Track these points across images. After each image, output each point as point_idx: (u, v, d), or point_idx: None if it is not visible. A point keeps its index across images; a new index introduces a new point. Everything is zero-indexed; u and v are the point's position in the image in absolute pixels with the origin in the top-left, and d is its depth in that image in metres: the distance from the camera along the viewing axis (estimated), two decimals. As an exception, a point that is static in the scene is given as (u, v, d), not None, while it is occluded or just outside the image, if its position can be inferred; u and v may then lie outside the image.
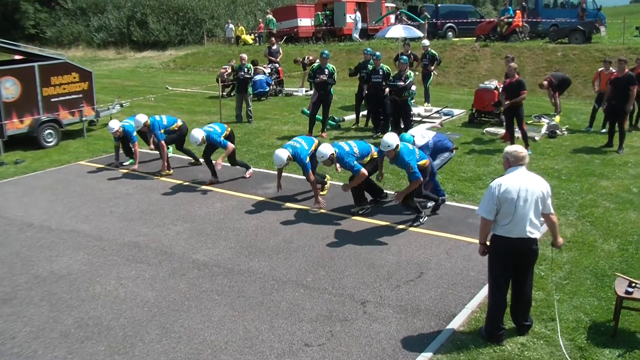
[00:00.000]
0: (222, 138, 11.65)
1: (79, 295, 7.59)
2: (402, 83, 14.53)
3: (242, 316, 6.95)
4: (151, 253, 8.81)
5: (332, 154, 9.77)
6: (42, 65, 15.64)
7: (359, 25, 34.47)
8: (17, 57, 18.38)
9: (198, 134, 11.53)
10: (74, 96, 16.15)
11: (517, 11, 29.16)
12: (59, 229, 9.88)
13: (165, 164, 12.63)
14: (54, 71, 15.81)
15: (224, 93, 22.14)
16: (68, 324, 6.91)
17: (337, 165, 10.27)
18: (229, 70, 23.33)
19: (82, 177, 12.75)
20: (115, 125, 12.90)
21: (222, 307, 7.19)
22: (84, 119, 16.47)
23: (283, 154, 10.17)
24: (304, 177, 10.44)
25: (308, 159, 10.25)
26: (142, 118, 12.66)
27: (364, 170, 9.72)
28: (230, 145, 11.67)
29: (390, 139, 9.12)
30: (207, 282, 7.85)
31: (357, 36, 34.21)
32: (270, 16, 37.25)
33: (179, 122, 13.06)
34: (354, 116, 17.59)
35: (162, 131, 12.63)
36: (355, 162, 9.72)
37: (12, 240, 9.44)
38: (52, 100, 15.62)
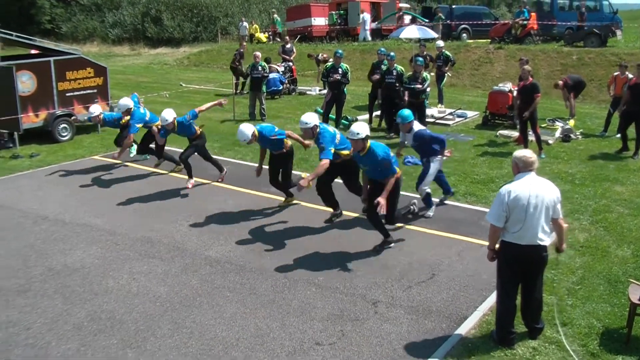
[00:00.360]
0: (192, 122, 11.49)
1: (92, 288, 7.64)
2: (419, 86, 14.44)
3: (253, 313, 6.97)
4: (164, 248, 8.85)
5: (316, 126, 9.01)
6: (58, 60, 15.73)
7: (367, 26, 34.35)
8: (33, 51, 18.51)
9: (169, 115, 11.15)
10: (88, 91, 16.23)
11: (532, 14, 29.06)
12: (72, 222, 9.95)
13: (121, 153, 12.41)
14: (70, 66, 15.89)
15: (237, 91, 22.18)
16: (81, 316, 6.96)
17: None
18: (238, 57, 23.50)
19: (95, 172, 12.81)
20: (96, 110, 12.66)
21: (233, 303, 7.22)
22: (98, 113, 16.54)
23: (248, 129, 9.79)
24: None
25: (275, 137, 10.01)
26: (129, 103, 12.30)
27: (326, 162, 8.78)
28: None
29: (360, 127, 8.22)
30: (219, 278, 7.88)
31: (365, 36, 34.03)
32: (276, 16, 37.82)
33: (159, 122, 12.11)
34: (367, 116, 17.57)
35: (139, 125, 12.28)
36: (330, 149, 8.87)
37: (27, 232, 9.51)
38: (67, 94, 15.70)
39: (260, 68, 18.26)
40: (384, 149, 8.33)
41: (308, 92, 23.71)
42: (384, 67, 16.24)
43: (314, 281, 7.74)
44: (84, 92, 16.10)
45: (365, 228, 9.43)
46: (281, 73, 23.13)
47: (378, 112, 17.10)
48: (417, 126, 10.01)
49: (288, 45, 24.94)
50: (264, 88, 18.77)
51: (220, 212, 10.32)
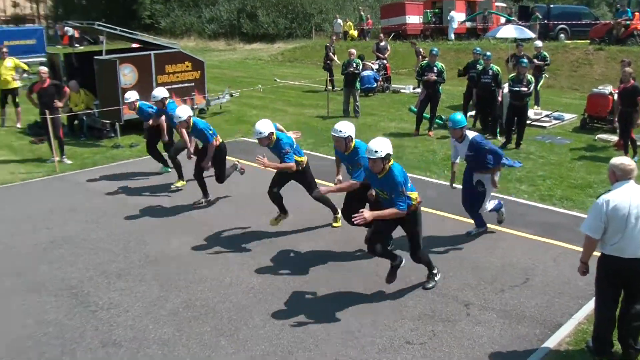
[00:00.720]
0: (209, 132, 10.42)
1: (187, 277, 7.88)
2: (525, 89, 14.02)
3: (345, 309, 7.01)
4: (257, 241, 9.02)
5: (351, 137, 7.94)
6: (158, 53, 16.26)
7: (454, 25, 33.73)
8: (134, 45, 19.20)
9: (184, 112, 10.25)
10: (186, 84, 16.69)
11: (636, 13, 27.90)
12: (169, 211, 10.29)
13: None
14: (169, 60, 16.39)
15: (329, 87, 22.26)
16: (177, 303, 7.19)
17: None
18: (326, 51, 23.65)
19: (192, 163, 13.07)
20: (132, 96, 12.09)
21: (325, 298, 7.29)
22: (195, 107, 16.94)
23: (265, 128, 8.63)
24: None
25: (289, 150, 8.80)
26: (164, 93, 11.67)
27: (355, 182, 7.98)
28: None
29: (379, 144, 6.79)
30: (312, 273, 7.95)
31: (452, 37, 33.50)
32: (362, 13, 39.05)
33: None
34: (461, 116, 17.34)
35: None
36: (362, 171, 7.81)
37: (127, 219, 9.91)
38: (166, 87, 16.07)
39: (354, 65, 18.30)
40: (402, 173, 7.00)
41: (402, 91, 23.59)
42: (479, 67, 15.98)
43: (405, 280, 7.68)
44: (182, 85, 16.57)
45: (456, 230, 9.33)
46: (375, 71, 23.10)
47: (473, 112, 16.83)
48: (471, 133, 8.84)
49: (382, 43, 24.86)
50: (357, 85, 18.79)
51: (314, 208, 10.23)
